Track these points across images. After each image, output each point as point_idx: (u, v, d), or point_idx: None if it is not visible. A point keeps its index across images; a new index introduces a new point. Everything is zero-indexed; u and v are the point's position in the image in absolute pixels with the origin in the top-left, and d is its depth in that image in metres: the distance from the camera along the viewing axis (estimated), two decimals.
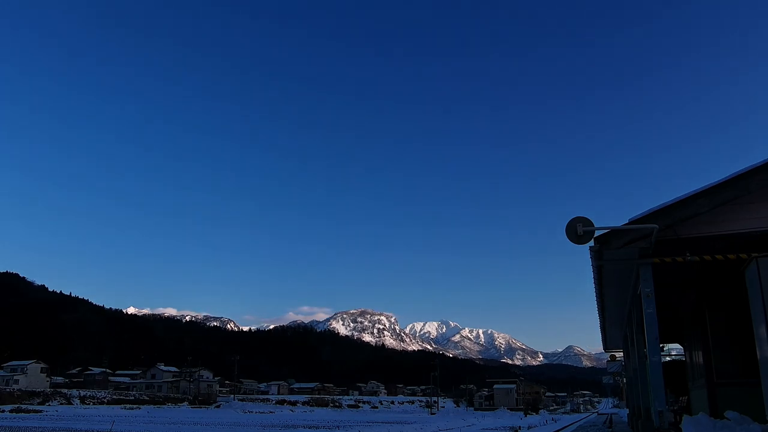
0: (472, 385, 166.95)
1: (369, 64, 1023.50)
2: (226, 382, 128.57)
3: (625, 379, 30.28)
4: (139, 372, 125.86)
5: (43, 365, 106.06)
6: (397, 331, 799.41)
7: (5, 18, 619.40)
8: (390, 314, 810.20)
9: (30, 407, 61.64)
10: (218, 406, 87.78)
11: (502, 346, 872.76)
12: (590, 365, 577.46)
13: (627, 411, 34.65)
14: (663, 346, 21.13)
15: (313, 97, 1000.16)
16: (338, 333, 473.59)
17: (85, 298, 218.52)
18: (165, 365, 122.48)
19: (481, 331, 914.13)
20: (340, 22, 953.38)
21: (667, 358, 23.11)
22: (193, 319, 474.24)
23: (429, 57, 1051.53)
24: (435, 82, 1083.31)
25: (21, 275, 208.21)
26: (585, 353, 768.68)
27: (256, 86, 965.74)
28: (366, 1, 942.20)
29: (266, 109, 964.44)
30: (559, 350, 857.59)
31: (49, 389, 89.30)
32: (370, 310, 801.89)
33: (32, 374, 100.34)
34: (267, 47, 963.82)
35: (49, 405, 72.28)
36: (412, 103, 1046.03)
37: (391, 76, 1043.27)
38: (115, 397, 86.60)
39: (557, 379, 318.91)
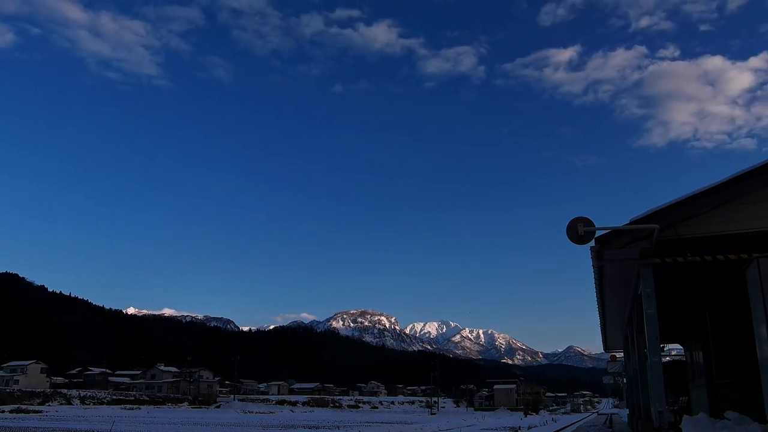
0: (472, 386, 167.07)
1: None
2: (226, 382, 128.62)
3: (625, 380, 30.29)
4: (139, 372, 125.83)
5: (43, 365, 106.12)
6: (398, 331, 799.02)
7: None
8: (390, 314, 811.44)
9: (30, 407, 61.65)
10: (218, 407, 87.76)
11: (503, 347, 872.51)
12: (591, 365, 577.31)
13: (627, 411, 34.65)
14: (663, 346, 21.14)
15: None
16: (338, 333, 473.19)
17: (85, 299, 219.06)
18: (165, 365, 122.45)
19: (481, 332, 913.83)
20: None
21: (667, 358, 23.12)
22: (193, 319, 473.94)
23: None
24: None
25: (21, 275, 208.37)
26: (585, 353, 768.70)
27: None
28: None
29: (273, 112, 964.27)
30: (560, 350, 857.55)
31: (49, 389, 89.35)
32: (370, 311, 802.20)
33: (32, 374, 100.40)
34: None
35: (49, 405, 72.31)
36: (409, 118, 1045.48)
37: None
38: (115, 397, 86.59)
39: (557, 380, 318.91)
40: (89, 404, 78.53)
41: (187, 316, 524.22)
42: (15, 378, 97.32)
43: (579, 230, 8.44)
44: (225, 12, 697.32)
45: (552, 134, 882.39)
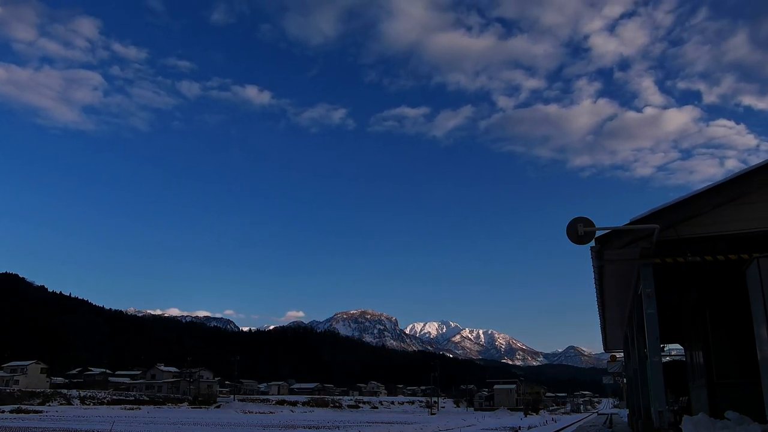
0: (472, 386, 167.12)
1: None
2: (226, 382, 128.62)
3: (625, 380, 30.30)
4: (139, 372, 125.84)
5: (43, 365, 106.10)
6: (398, 331, 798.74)
7: None
8: (390, 314, 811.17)
9: (30, 407, 61.64)
10: (218, 407, 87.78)
11: (503, 347, 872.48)
12: (591, 365, 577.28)
13: (627, 411, 34.67)
14: (663, 346, 21.15)
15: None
16: (339, 333, 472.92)
17: (85, 299, 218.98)
18: (165, 365, 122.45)
19: (481, 332, 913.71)
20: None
21: (667, 358, 23.12)
22: (194, 319, 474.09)
23: None
24: None
25: (21, 276, 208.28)
26: (585, 353, 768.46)
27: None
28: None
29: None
30: (560, 350, 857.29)
31: (49, 390, 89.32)
32: (370, 311, 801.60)
33: (32, 374, 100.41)
34: None
35: (49, 405, 72.36)
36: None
37: None
38: (115, 397, 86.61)
39: (558, 380, 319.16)
40: (89, 404, 78.55)
41: (187, 316, 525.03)
42: (15, 378, 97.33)
43: (579, 230, 8.45)
44: (119, 80, 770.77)
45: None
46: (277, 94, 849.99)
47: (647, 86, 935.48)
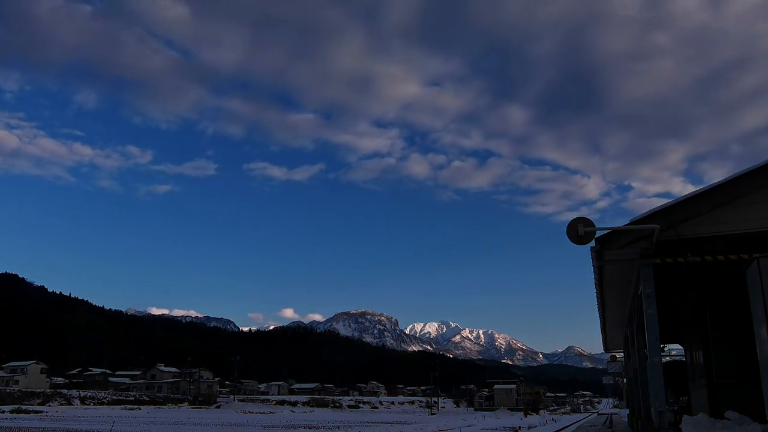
0: (472, 386, 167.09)
1: None
2: (226, 382, 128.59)
3: (625, 380, 30.33)
4: (139, 372, 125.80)
5: (43, 366, 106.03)
6: (398, 331, 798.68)
7: None
8: (390, 315, 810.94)
9: (30, 408, 61.59)
10: (218, 407, 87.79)
11: (503, 347, 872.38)
12: (591, 366, 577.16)
13: (627, 411, 34.66)
14: (663, 347, 21.14)
15: None
16: (339, 334, 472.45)
17: (85, 299, 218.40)
18: (165, 366, 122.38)
19: (481, 332, 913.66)
20: None
21: (667, 358, 23.12)
22: (194, 319, 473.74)
23: None
24: None
25: (21, 276, 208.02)
26: (585, 354, 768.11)
27: None
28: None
29: None
30: (560, 351, 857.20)
31: (49, 390, 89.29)
32: (370, 311, 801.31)
33: (32, 375, 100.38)
34: None
35: (49, 405, 72.30)
36: None
37: None
38: (115, 397, 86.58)
39: (558, 380, 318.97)
40: (89, 404, 78.53)
41: (187, 316, 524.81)
42: (15, 378, 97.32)
43: (579, 230, 8.45)
44: (26, 138, 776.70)
45: None
46: (157, 153, 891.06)
47: (454, 144, 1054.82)
